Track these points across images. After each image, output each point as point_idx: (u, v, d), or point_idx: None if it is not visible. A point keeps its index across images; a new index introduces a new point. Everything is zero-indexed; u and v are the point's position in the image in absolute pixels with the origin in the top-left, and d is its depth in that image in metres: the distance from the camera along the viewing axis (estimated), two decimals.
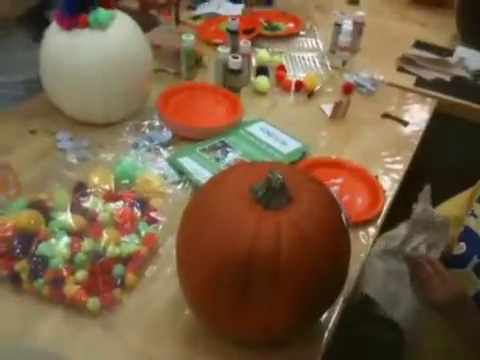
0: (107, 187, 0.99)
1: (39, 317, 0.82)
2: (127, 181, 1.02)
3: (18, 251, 0.86)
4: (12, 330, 0.80)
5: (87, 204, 0.95)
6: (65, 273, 0.84)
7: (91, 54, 1.11)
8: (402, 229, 0.93)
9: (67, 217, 0.92)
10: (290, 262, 0.68)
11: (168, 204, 1.03)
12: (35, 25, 1.28)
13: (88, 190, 0.98)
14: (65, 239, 0.88)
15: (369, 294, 1.02)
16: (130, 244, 0.90)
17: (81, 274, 0.84)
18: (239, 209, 0.72)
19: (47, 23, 1.18)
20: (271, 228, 0.69)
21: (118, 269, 0.86)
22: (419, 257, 0.90)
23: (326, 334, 0.85)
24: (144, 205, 0.98)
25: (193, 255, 0.74)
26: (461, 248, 1.00)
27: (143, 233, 0.93)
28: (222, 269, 0.70)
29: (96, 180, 1.00)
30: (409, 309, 1.05)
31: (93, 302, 0.82)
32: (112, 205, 0.95)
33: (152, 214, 0.98)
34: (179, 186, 1.09)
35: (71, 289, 0.82)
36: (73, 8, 1.08)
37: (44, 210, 0.93)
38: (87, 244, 0.88)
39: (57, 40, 1.13)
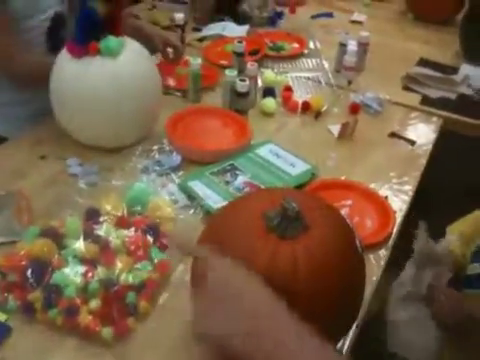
0: (119, 213, 1.00)
1: (53, 347, 0.82)
2: (139, 207, 1.03)
3: (32, 281, 0.86)
4: None
5: (100, 231, 0.95)
6: (79, 302, 0.84)
7: (102, 81, 1.12)
8: (409, 270, 0.94)
9: (80, 245, 0.92)
10: (307, 293, 0.68)
11: (179, 229, 1.03)
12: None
13: (101, 217, 0.98)
14: (78, 267, 0.88)
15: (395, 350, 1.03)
16: (143, 271, 0.90)
17: (94, 303, 0.84)
18: (254, 238, 0.72)
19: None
20: (287, 258, 0.69)
21: (131, 297, 0.86)
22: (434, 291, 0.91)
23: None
24: (156, 231, 0.98)
25: None
26: (475, 268, 1.00)
27: (156, 260, 0.93)
28: None
29: (108, 207, 1.00)
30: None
31: (107, 332, 0.82)
32: (124, 232, 0.96)
33: (164, 240, 0.98)
34: (190, 211, 1.09)
35: (85, 319, 0.82)
36: (85, 37, 1.10)
37: (57, 238, 0.94)
38: (100, 272, 0.88)
39: (68, 67, 1.14)
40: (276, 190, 0.84)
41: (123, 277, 0.88)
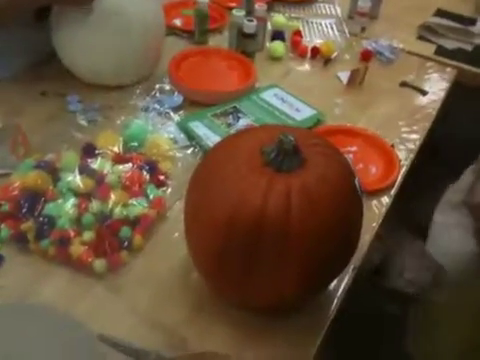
0: (116, 149, 0.98)
1: (45, 277, 0.82)
2: (136, 144, 1.01)
3: (25, 211, 0.85)
4: (18, 289, 0.80)
5: (95, 165, 0.93)
6: (72, 234, 0.83)
7: (103, 18, 1.08)
8: (467, 176, 0.88)
9: (75, 178, 0.90)
10: (300, 225, 0.66)
11: (177, 168, 1.01)
12: None
13: (96, 152, 0.96)
14: (72, 200, 0.87)
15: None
16: (138, 207, 0.89)
17: (88, 235, 0.83)
18: (249, 171, 0.69)
19: None
20: (282, 190, 0.67)
21: (125, 231, 0.85)
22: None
23: (335, 301, 0.83)
24: (153, 168, 0.96)
25: (201, 217, 0.72)
26: None
27: (151, 196, 0.92)
28: (231, 231, 0.68)
29: (104, 142, 0.98)
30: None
31: (99, 263, 0.81)
32: (120, 167, 0.94)
33: (161, 177, 0.96)
34: (189, 151, 1.06)
35: (77, 250, 0.81)
36: None
37: (52, 171, 0.92)
38: (94, 205, 0.86)
39: None
40: (275, 126, 0.82)
41: (117, 211, 0.86)
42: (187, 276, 0.83)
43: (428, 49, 1.56)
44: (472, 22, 1.69)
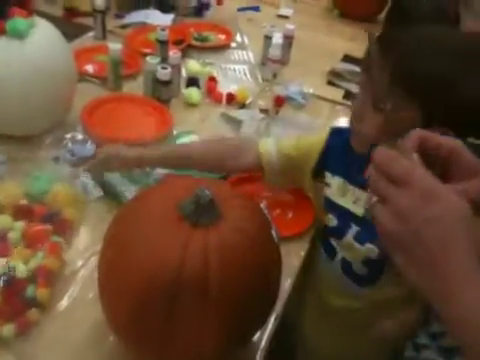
0: (18, 203, 0.93)
1: None
2: (40, 195, 0.96)
3: None
4: None
5: None
6: None
7: (8, 64, 1.04)
8: None
9: None
10: (219, 281, 0.65)
11: (89, 220, 0.98)
12: None
13: None
14: None
15: None
16: (37, 259, 0.84)
17: None
18: (166, 227, 0.68)
19: None
20: (199, 246, 0.66)
21: (31, 290, 0.80)
22: None
23: (259, 353, 0.82)
24: (56, 218, 0.93)
25: (117, 277, 0.69)
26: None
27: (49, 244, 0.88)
28: (149, 292, 0.66)
29: (5, 196, 0.93)
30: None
31: (8, 329, 0.76)
32: (21, 223, 0.90)
33: (64, 226, 0.93)
34: (101, 201, 1.03)
35: None
36: None
37: None
38: None
39: None
40: (190, 178, 0.81)
41: (20, 269, 0.81)
42: (104, 338, 0.79)
43: (337, 93, 1.63)
44: None
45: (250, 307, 0.70)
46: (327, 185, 1.00)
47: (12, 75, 1.04)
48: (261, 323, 0.77)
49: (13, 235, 0.87)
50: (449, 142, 0.53)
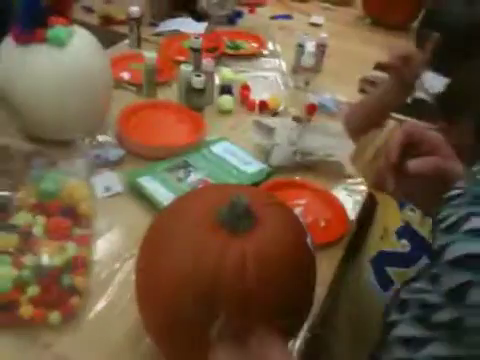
0: (33, 200, 0.95)
1: None
2: (53, 192, 0.97)
3: None
4: None
5: (14, 220, 0.90)
6: (16, 295, 0.79)
7: (48, 71, 1.06)
8: None
9: None
10: (256, 288, 0.65)
11: (123, 222, 1.02)
12: None
13: (13, 206, 0.93)
14: (5, 259, 0.83)
15: None
16: (69, 250, 0.87)
17: (32, 290, 0.80)
18: (203, 233, 0.69)
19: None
20: (236, 253, 0.66)
21: (66, 278, 0.83)
22: None
23: None
24: (73, 213, 0.95)
25: (153, 282, 0.70)
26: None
27: (76, 236, 0.91)
28: (185, 297, 0.66)
29: (21, 194, 0.95)
30: None
31: (54, 316, 0.79)
32: (42, 217, 0.92)
33: (82, 220, 0.95)
34: (135, 202, 1.07)
35: (27, 310, 0.78)
36: (31, 23, 1.04)
37: None
38: (29, 260, 0.83)
39: (13, 55, 1.08)
40: (226, 186, 0.82)
41: (52, 260, 0.84)
42: (138, 342, 0.80)
43: None
44: None
45: (285, 315, 0.70)
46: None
47: (52, 82, 1.07)
48: (295, 332, 0.77)
49: (37, 229, 0.89)
50: (432, 139, 0.67)
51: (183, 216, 0.72)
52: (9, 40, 1.10)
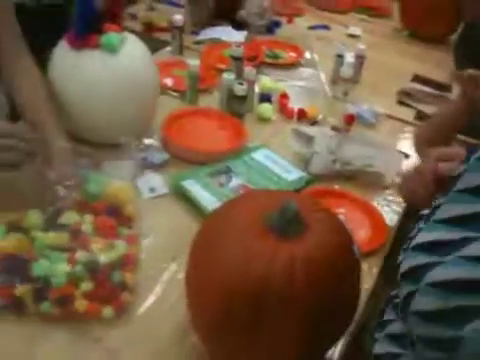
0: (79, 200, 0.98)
1: (40, 339, 0.80)
2: (97, 194, 1.01)
3: (13, 277, 0.83)
4: (11, 353, 0.78)
5: (64, 220, 0.93)
6: (70, 289, 0.83)
7: (100, 76, 1.11)
8: None
9: (49, 235, 0.90)
10: (305, 294, 0.67)
11: (168, 224, 1.05)
12: None
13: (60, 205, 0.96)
14: (58, 256, 0.87)
15: None
16: (119, 248, 0.90)
17: (86, 286, 0.83)
18: (252, 238, 0.71)
19: None
20: (286, 258, 0.68)
21: (117, 275, 0.86)
22: None
23: None
24: (117, 212, 0.98)
25: (204, 284, 0.72)
26: None
27: (124, 235, 0.94)
28: (234, 300, 0.68)
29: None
30: None
31: (107, 311, 0.83)
32: (90, 215, 0.95)
33: (127, 220, 0.98)
34: (178, 204, 1.10)
35: (82, 304, 0.82)
36: (86, 29, 1.09)
37: (24, 231, 0.91)
38: (81, 256, 0.86)
39: (66, 59, 1.13)
40: (273, 192, 0.84)
41: (103, 257, 0.87)
42: (184, 341, 0.83)
43: (408, 114, 1.63)
44: (448, 89, 1.78)
45: (332, 319, 0.71)
46: None
47: (104, 87, 1.11)
48: (340, 335, 0.78)
49: (86, 227, 0.92)
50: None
51: (232, 221, 0.75)
52: (63, 44, 1.14)
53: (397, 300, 0.79)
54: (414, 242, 0.68)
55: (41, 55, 1.15)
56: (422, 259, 0.66)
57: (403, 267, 0.69)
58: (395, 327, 0.80)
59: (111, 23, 1.14)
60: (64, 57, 1.14)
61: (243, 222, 0.73)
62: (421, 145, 1.26)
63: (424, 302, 0.64)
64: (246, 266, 0.69)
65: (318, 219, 0.75)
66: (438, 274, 0.63)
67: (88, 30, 1.09)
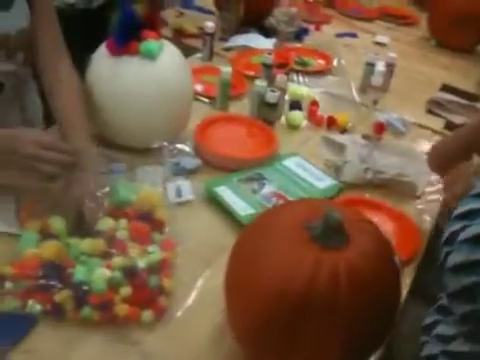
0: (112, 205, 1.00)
1: (77, 342, 0.82)
2: (127, 200, 1.02)
3: (54, 283, 0.84)
4: (49, 355, 0.80)
5: (100, 226, 0.95)
6: (110, 295, 0.84)
7: (139, 82, 1.13)
8: None
9: (84, 241, 0.92)
10: (348, 303, 0.68)
11: (201, 230, 1.07)
12: None
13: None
14: (96, 262, 0.88)
15: None
16: (155, 253, 0.91)
17: (125, 291, 0.84)
18: (296, 246, 0.72)
19: None
20: (329, 267, 0.69)
21: (154, 279, 0.87)
22: None
23: None
24: (150, 218, 0.99)
25: (245, 290, 0.74)
26: None
27: (159, 241, 0.95)
28: (278, 306, 0.69)
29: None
30: None
31: (146, 315, 0.84)
32: (124, 220, 0.97)
33: (160, 225, 0.99)
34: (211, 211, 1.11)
35: (122, 309, 0.83)
36: (126, 36, 1.10)
37: (56, 238, 0.92)
38: (119, 261, 0.88)
39: (105, 65, 1.15)
40: (315, 200, 0.85)
41: (139, 262, 0.88)
42: (221, 343, 0.84)
43: (437, 123, 1.63)
44: (476, 98, 1.77)
45: (373, 330, 0.72)
46: None
47: (143, 93, 1.13)
48: (378, 346, 0.78)
49: (121, 233, 0.94)
50: None
51: (273, 230, 0.75)
52: (102, 50, 1.16)
53: (442, 302, 0.85)
54: (454, 213, 0.79)
55: (79, 60, 1.17)
56: (458, 225, 0.77)
57: (444, 235, 0.79)
58: (443, 328, 0.83)
59: (150, 30, 1.16)
60: (103, 63, 1.16)
61: (285, 231, 0.74)
62: (439, 159, 1.22)
63: (456, 257, 0.74)
64: (292, 272, 0.70)
65: (360, 229, 0.75)
66: (468, 232, 0.74)
67: (128, 38, 1.11)
